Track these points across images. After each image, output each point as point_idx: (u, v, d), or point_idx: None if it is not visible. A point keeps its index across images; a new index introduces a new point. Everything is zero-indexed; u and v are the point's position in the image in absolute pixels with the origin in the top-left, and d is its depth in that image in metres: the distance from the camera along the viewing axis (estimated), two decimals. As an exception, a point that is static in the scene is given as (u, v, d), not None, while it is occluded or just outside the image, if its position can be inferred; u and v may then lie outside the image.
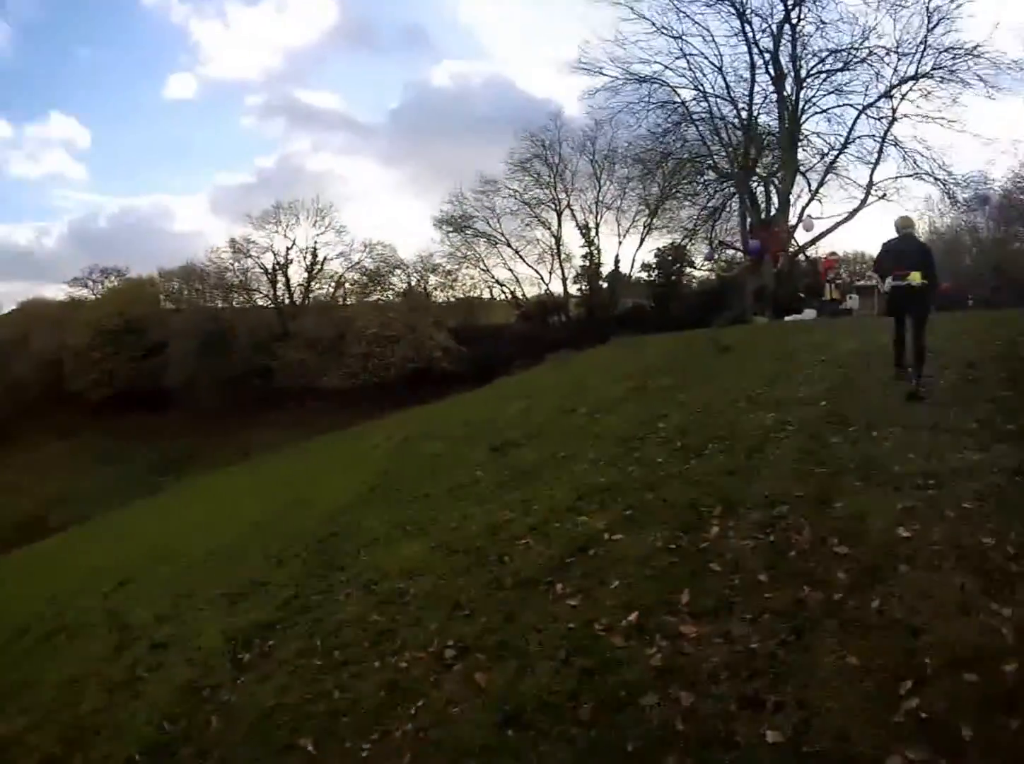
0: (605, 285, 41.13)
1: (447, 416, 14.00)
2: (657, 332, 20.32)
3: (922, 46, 27.08)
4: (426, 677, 4.20)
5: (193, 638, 6.15)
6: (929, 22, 26.67)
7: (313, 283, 45.24)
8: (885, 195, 29.14)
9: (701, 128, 31.09)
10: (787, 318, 20.62)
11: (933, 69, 27.24)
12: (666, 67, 30.22)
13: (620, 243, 40.91)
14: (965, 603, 3.58)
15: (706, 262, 37.85)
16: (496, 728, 3.57)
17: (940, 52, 26.93)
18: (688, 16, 29.41)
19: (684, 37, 29.71)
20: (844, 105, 29.82)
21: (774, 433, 6.93)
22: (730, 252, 35.52)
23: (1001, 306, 20.50)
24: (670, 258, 39.42)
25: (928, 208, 35.03)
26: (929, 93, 27.51)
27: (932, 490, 4.96)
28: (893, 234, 8.70)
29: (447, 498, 7.74)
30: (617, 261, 41.01)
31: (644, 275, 41.23)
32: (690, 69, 30.28)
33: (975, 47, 26.13)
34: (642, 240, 40.40)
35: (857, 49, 28.12)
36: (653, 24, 29.44)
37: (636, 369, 12.39)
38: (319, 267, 44.68)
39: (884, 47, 27.82)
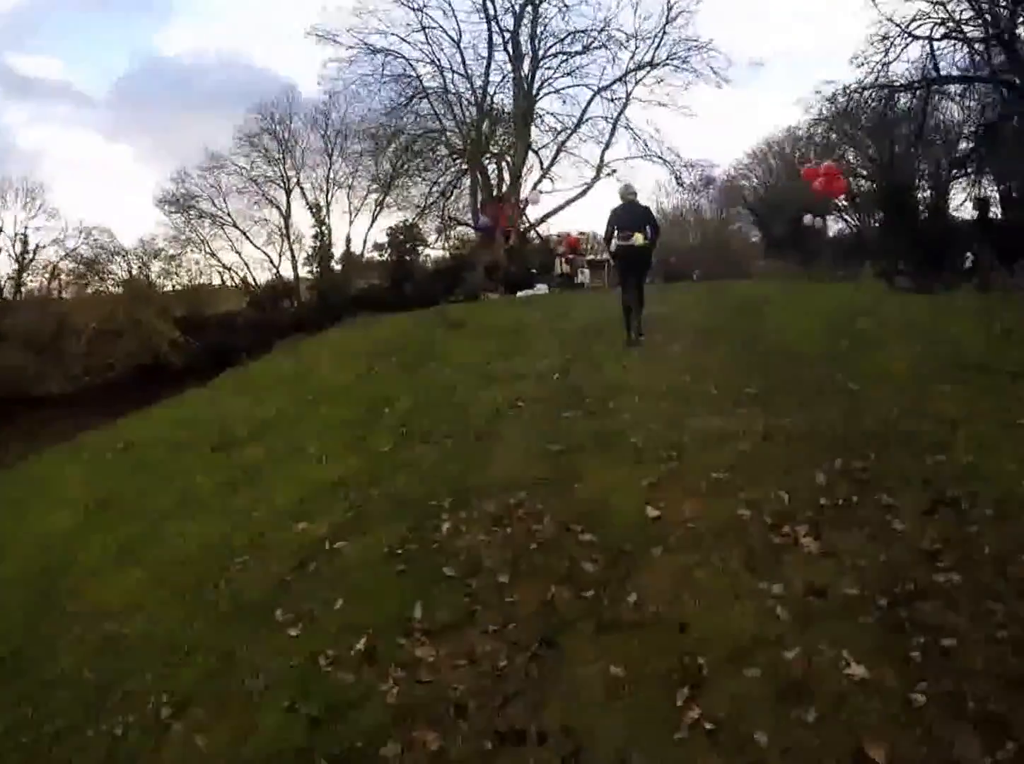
0: (338, 267, 39.76)
1: (170, 416, 12.46)
2: (393, 312, 19.68)
3: (660, 35, 28.93)
4: (145, 744, 3.34)
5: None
6: (669, 14, 28.54)
7: (25, 275, 37.73)
8: (615, 174, 30.41)
9: (435, 103, 30.74)
10: (519, 294, 20.86)
11: (668, 58, 29.09)
12: (403, 39, 29.45)
13: (352, 222, 39.56)
14: (731, 585, 3.28)
15: (439, 240, 37.90)
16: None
17: (676, 43, 28.93)
18: (431, -13, 28.65)
19: (424, 10, 29.04)
20: (579, 86, 30.84)
21: (506, 411, 6.63)
22: (462, 229, 35.77)
23: (723, 279, 22.43)
24: (402, 237, 38.89)
25: (657, 188, 37.85)
26: (662, 80, 29.33)
27: (676, 462, 4.73)
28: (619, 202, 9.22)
29: (166, 513, 6.66)
30: (349, 241, 39.80)
31: (377, 255, 40.34)
32: (428, 43, 29.75)
33: (709, 41, 28.42)
34: (374, 219, 39.32)
35: (599, 32, 29.23)
36: (394, -7, 28.35)
37: (365, 351, 11.79)
38: (31, 256, 37.47)
39: (624, 32, 29.28)
